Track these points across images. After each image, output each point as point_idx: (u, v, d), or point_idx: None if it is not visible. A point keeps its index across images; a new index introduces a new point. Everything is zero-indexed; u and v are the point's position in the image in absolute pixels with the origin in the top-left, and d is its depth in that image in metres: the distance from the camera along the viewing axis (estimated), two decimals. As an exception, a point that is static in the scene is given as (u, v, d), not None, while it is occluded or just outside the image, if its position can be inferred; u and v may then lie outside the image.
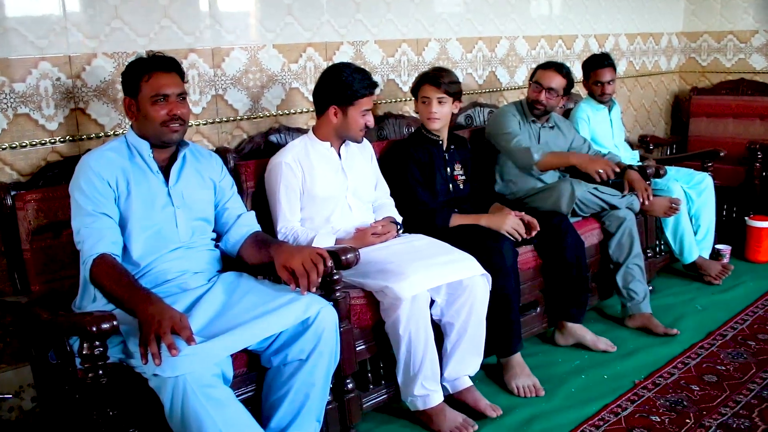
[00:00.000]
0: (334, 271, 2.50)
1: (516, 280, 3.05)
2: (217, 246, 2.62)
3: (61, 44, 2.65)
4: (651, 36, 5.45)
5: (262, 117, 3.27)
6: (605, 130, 4.30)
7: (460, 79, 3.42)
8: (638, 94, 5.42)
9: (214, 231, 2.63)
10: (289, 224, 2.91)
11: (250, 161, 3.04)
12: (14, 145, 2.59)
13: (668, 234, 4.12)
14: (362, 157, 3.13)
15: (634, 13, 5.23)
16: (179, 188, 2.48)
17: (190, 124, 2.68)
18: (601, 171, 3.54)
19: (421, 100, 3.27)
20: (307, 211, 2.96)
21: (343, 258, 2.49)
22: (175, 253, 2.43)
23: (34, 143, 2.63)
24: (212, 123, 3.11)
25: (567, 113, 4.33)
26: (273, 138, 3.18)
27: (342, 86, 2.89)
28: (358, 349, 2.67)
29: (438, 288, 2.80)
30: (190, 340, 2.03)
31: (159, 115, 2.40)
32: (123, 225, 2.37)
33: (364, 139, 3.22)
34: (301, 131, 3.24)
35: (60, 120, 2.68)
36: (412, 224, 3.27)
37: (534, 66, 3.81)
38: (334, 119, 2.93)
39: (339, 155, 3.02)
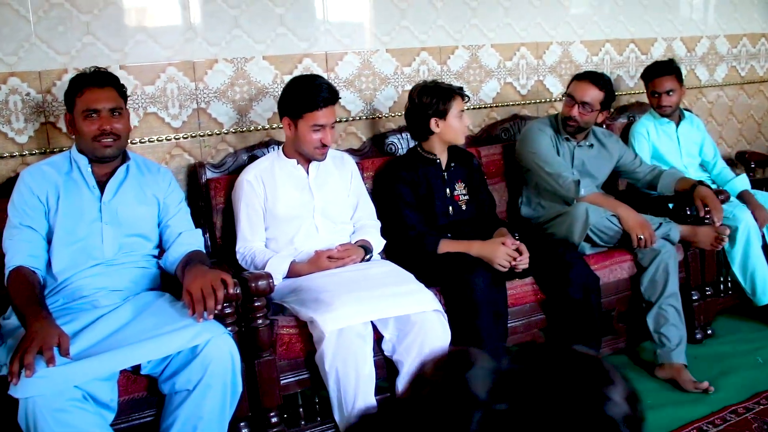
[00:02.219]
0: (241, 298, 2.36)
1: (490, 318, 2.70)
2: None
3: None
4: (764, 36, 4.68)
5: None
6: (670, 147, 3.75)
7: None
8: (744, 103, 4.67)
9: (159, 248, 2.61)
10: (248, 244, 2.81)
11: (222, 177, 2.98)
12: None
13: (736, 269, 3.49)
14: (339, 175, 2.95)
15: (737, 11, 4.51)
16: (114, 203, 2.48)
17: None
18: (641, 237, 3.06)
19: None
20: (270, 231, 2.85)
21: (252, 285, 2.35)
22: (95, 270, 2.42)
23: (4, 155, 2.75)
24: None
25: (627, 128, 3.83)
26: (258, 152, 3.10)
27: (291, 98, 2.75)
28: (284, 381, 2.50)
29: (385, 322, 2.56)
30: (50, 361, 2.00)
31: (90, 130, 2.42)
32: (50, 239, 2.41)
33: (346, 154, 3.07)
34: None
35: (30, 133, 2.79)
36: (400, 249, 3.05)
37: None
38: (289, 132, 2.80)
39: (308, 173, 2.87)
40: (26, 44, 2.72)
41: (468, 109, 3.60)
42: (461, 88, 3.09)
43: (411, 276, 2.70)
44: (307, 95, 2.73)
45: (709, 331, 3.42)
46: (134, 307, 2.36)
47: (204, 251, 2.64)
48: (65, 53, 2.78)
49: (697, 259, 3.33)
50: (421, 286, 2.61)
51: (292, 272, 2.73)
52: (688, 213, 3.32)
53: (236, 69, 3.09)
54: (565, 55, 3.88)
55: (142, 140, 2.96)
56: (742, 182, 3.71)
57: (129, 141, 2.89)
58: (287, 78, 3.16)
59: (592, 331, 2.91)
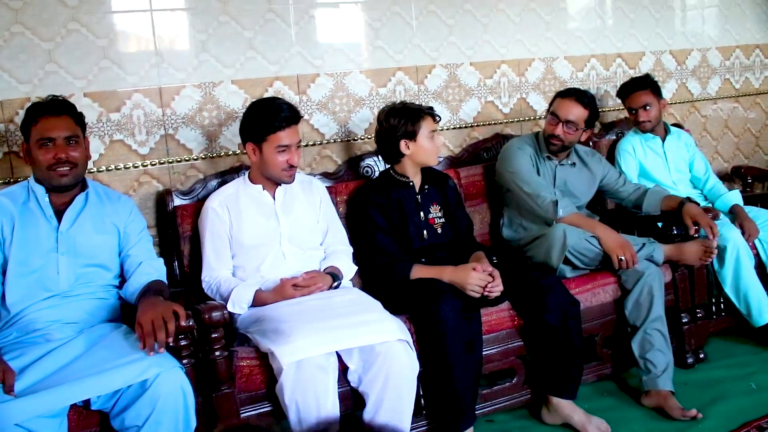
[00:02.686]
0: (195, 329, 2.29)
1: (460, 347, 2.60)
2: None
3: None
4: (758, 48, 4.55)
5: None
6: (658, 164, 3.65)
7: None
8: (740, 117, 4.54)
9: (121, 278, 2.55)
10: (213, 273, 2.74)
11: (190, 204, 2.92)
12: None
13: (728, 290, 3.35)
14: (307, 200, 2.88)
15: (728, 22, 4.40)
16: (72, 233, 2.44)
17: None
18: (622, 259, 2.95)
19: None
20: (237, 258, 2.78)
21: (206, 317, 2.28)
22: (50, 302, 2.37)
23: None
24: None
25: (615, 145, 3.72)
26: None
27: (252, 121, 2.69)
28: (244, 414, 2.42)
29: (350, 352, 2.48)
30: None
31: (45, 159, 2.38)
32: (5, 270, 2.36)
33: (315, 179, 3.00)
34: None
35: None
36: (373, 275, 2.97)
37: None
38: (254, 157, 2.74)
39: (274, 198, 2.80)
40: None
41: (448, 128, 3.56)
42: (431, 108, 3.01)
43: (377, 304, 2.61)
44: (267, 117, 2.67)
45: (701, 355, 3.29)
46: (87, 339, 2.30)
47: (165, 281, 2.58)
48: (27, 82, 2.75)
49: (686, 280, 3.20)
50: (386, 315, 2.52)
51: (257, 301, 2.65)
52: (676, 232, 3.19)
53: (204, 94, 3.04)
54: (548, 71, 3.80)
55: (109, 168, 2.91)
56: (733, 197, 3.59)
57: (96, 169, 2.89)
58: (258, 102, 3.13)
59: (571, 358, 2.79)
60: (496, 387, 2.85)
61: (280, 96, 3.17)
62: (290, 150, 2.70)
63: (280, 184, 2.80)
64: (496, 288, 2.74)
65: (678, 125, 4.04)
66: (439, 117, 3.03)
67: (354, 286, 2.94)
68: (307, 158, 3.28)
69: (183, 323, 2.20)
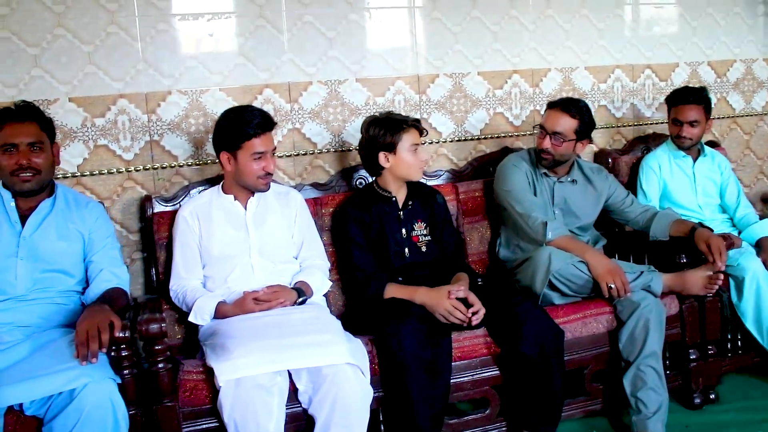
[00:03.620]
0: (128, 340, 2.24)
1: (421, 374, 2.45)
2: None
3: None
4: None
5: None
6: (684, 185, 3.36)
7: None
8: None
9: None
10: (181, 282, 2.71)
11: (169, 211, 2.90)
12: None
13: (749, 325, 3.05)
14: (282, 212, 2.80)
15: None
16: (35, 238, 2.45)
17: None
18: (612, 287, 2.74)
19: None
20: (207, 269, 2.74)
21: (142, 329, 2.24)
22: (4, 305, 2.39)
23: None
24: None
25: (638, 163, 3.46)
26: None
27: (226, 130, 2.64)
28: (187, 430, 2.36)
29: (299, 373, 2.38)
30: None
31: (8, 164, 2.41)
32: None
33: (293, 191, 2.93)
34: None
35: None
36: (348, 292, 2.87)
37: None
38: (229, 167, 2.68)
39: (246, 209, 2.74)
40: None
41: (452, 141, 3.41)
42: (417, 120, 2.87)
43: (335, 324, 2.50)
44: (241, 124, 2.61)
45: (712, 396, 3.00)
46: (34, 344, 2.30)
47: (127, 289, 2.57)
48: (13, 86, 2.80)
49: (695, 313, 2.93)
50: (339, 336, 2.40)
51: (219, 314, 2.60)
52: (684, 261, 2.93)
53: (191, 101, 3.02)
54: (566, 82, 3.58)
55: (93, 172, 2.94)
56: (763, 228, 3.26)
57: (81, 173, 2.92)
58: (247, 109, 3.08)
59: (549, 391, 2.58)
60: (468, 417, 2.68)
61: (271, 104, 3.12)
62: (266, 157, 2.63)
63: (253, 194, 2.74)
64: (476, 317, 2.59)
65: (714, 143, 3.73)
66: (426, 130, 2.90)
67: (329, 304, 2.86)
68: (298, 168, 3.20)
69: (117, 334, 2.18)
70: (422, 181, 3.26)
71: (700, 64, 3.86)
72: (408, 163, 2.84)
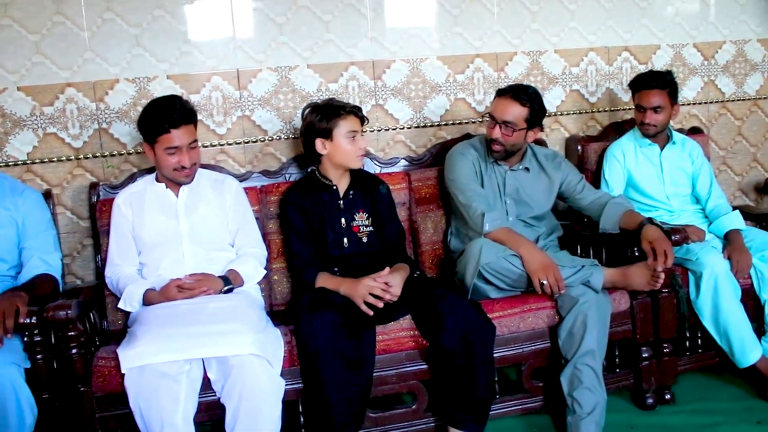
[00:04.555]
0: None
1: (337, 366, 2.40)
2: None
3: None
4: (818, 39, 3.87)
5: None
6: (650, 174, 3.20)
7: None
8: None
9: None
10: (116, 269, 2.75)
11: (109, 199, 2.92)
12: None
13: (707, 324, 2.89)
14: (216, 199, 2.79)
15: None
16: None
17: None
18: (544, 283, 2.63)
19: None
20: (142, 256, 2.76)
21: (48, 314, 2.27)
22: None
23: None
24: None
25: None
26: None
27: (144, 122, 2.64)
28: (101, 415, 2.39)
29: (209, 362, 2.38)
30: None
31: None
32: None
33: (229, 178, 2.92)
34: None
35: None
36: (291, 278, 2.86)
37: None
38: (151, 157, 2.68)
39: (178, 197, 2.74)
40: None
41: (410, 127, 3.34)
42: (356, 107, 2.81)
43: (250, 314, 2.48)
44: (157, 118, 2.60)
45: (667, 396, 2.85)
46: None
47: (57, 275, 2.62)
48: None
49: (646, 309, 2.79)
50: (246, 326, 2.37)
51: (146, 301, 2.62)
52: (637, 255, 2.78)
53: (139, 89, 3.04)
54: (533, 66, 3.44)
55: (43, 160, 2.99)
56: (732, 221, 3.06)
57: (31, 161, 2.98)
58: (194, 97, 3.09)
59: (472, 386, 2.49)
60: (393, 412, 2.63)
61: (219, 91, 3.11)
62: (181, 151, 2.62)
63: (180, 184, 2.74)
64: (387, 295, 2.55)
65: (697, 129, 3.53)
66: (366, 119, 2.84)
67: (261, 292, 2.85)
68: (248, 155, 3.19)
69: (21, 320, 2.23)
70: (377, 168, 3.22)
71: (684, 46, 3.65)
72: (345, 151, 2.78)
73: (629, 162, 3.21)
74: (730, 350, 2.87)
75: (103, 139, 3.05)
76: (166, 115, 2.59)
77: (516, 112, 2.83)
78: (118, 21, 2.98)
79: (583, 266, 2.68)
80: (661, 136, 3.19)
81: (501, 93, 2.89)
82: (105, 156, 3.06)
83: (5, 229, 2.59)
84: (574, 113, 3.54)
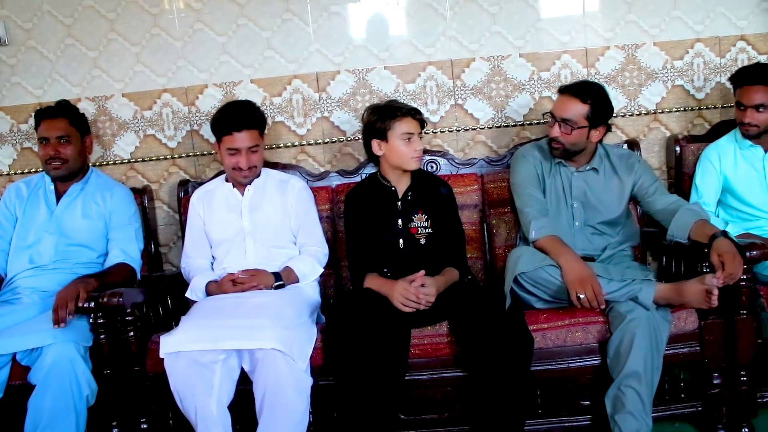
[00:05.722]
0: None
1: (365, 367, 2.43)
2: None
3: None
4: None
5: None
6: (751, 180, 2.85)
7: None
8: None
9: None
10: (189, 261, 2.98)
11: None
12: None
13: (797, 353, 2.52)
14: (280, 199, 2.93)
15: None
16: (63, 216, 2.91)
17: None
18: (582, 297, 2.46)
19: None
20: (213, 250, 2.98)
21: (102, 300, 2.53)
22: (32, 272, 2.86)
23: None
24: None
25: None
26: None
27: (214, 122, 2.85)
28: (153, 393, 2.63)
29: (242, 354, 2.52)
30: None
31: (43, 155, 2.89)
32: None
33: (294, 178, 3.06)
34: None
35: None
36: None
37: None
38: (219, 156, 2.87)
39: (243, 196, 2.92)
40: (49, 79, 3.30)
41: (491, 127, 3.25)
42: (415, 110, 2.79)
43: (284, 311, 2.56)
44: (223, 120, 2.79)
45: (745, 430, 2.54)
46: (43, 307, 2.72)
47: (134, 265, 2.89)
48: (77, 85, 3.28)
49: (717, 331, 2.50)
50: (274, 321, 2.46)
51: (208, 292, 2.82)
52: (707, 270, 2.50)
53: (225, 93, 3.26)
54: (629, 60, 3.18)
55: (144, 159, 3.33)
56: None
57: (134, 159, 3.32)
58: (276, 100, 3.25)
59: (505, 401, 2.39)
60: (424, 416, 2.61)
61: (299, 93, 3.25)
62: (240, 153, 2.79)
63: (251, 182, 2.91)
64: (423, 299, 2.53)
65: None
66: (425, 122, 2.82)
67: (317, 289, 2.93)
68: (327, 155, 3.30)
69: (80, 304, 2.52)
70: (454, 169, 3.18)
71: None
72: (400, 152, 2.78)
73: (726, 166, 2.87)
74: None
75: (195, 140, 3.31)
76: (231, 118, 2.78)
77: (576, 109, 2.66)
78: (207, 30, 3.22)
79: (633, 280, 2.46)
80: (765, 138, 2.82)
81: (562, 90, 2.73)
82: (196, 155, 3.32)
83: (95, 221, 2.92)
84: (677, 110, 3.22)
